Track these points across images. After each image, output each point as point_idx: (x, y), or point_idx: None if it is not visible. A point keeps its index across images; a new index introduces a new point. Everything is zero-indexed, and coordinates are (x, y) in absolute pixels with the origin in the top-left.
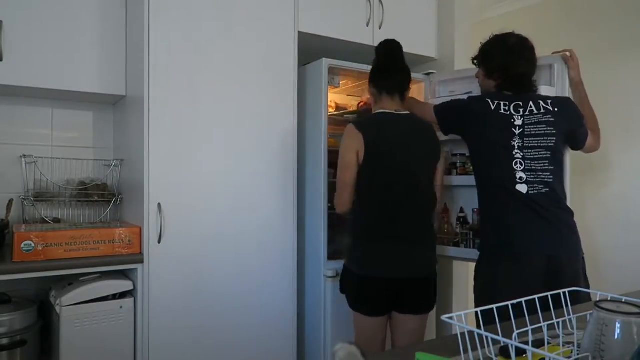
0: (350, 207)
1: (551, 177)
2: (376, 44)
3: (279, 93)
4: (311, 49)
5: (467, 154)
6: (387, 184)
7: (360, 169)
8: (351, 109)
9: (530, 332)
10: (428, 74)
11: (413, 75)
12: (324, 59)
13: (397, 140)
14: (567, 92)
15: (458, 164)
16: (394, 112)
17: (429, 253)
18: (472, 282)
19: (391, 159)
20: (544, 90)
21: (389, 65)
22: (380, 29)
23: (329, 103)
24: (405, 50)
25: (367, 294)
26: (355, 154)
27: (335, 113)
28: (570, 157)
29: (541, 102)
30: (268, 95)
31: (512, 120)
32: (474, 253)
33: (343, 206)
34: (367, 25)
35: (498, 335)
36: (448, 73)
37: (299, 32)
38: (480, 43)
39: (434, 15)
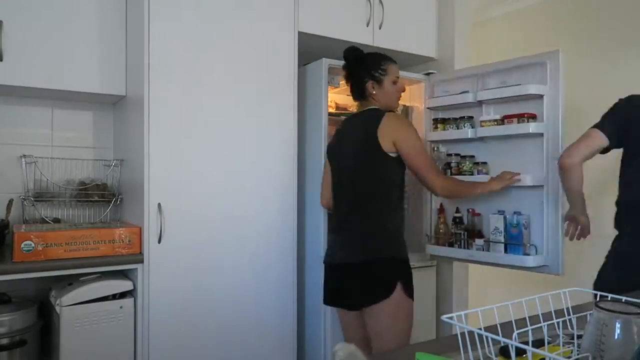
0: (326, 203)
1: None
2: (376, 44)
3: (279, 93)
4: (311, 49)
5: (462, 154)
6: (334, 180)
7: None
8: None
9: (530, 332)
10: (428, 74)
11: (413, 75)
12: (324, 59)
13: (338, 139)
14: (560, 93)
15: (452, 164)
16: (353, 112)
17: (358, 241)
18: (472, 283)
19: (332, 157)
20: (534, 89)
21: (347, 76)
22: (380, 29)
23: (329, 103)
24: (405, 50)
25: (324, 282)
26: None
27: (335, 113)
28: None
29: None
30: (268, 95)
31: None
32: (467, 253)
33: (321, 200)
34: (367, 25)
35: (498, 335)
36: (447, 73)
37: (299, 32)
38: None
39: (434, 15)
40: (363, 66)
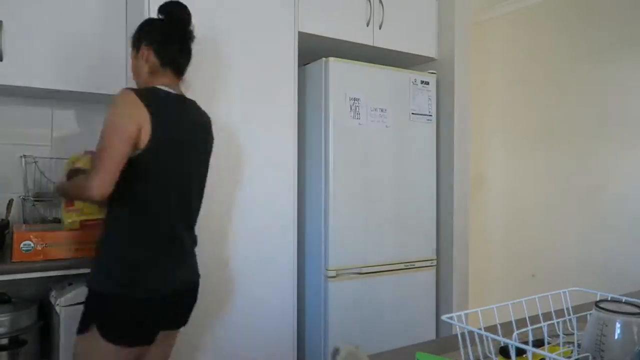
0: (110, 192)
1: None
2: (376, 44)
3: (279, 93)
4: (311, 49)
5: None
6: (173, 183)
7: (140, 156)
8: None
9: (530, 332)
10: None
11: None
12: (323, 58)
13: (185, 130)
14: None
15: None
16: (173, 91)
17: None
18: (472, 283)
19: (180, 153)
20: None
21: (184, 35)
22: (380, 29)
23: None
24: (405, 50)
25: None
26: (136, 126)
27: None
28: (567, 156)
29: None
30: (268, 95)
31: None
32: None
33: (102, 188)
34: (367, 25)
35: (498, 335)
36: None
37: (299, 32)
38: None
39: (434, 15)
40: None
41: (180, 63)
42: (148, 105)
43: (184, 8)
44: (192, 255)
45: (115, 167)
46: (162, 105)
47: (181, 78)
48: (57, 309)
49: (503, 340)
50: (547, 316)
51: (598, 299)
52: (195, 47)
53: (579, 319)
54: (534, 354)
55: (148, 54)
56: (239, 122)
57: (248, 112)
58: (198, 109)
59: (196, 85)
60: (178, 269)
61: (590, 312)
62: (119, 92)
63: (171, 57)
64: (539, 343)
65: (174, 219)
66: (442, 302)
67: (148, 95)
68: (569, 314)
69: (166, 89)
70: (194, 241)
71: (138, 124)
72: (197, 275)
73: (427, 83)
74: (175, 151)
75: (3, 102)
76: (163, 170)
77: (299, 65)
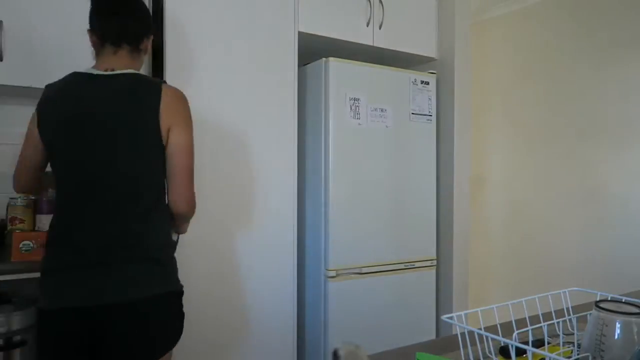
0: (30, 188)
1: None
2: (376, 44)
3: (279, 93)
4: (311, 49)
5: None
6: (67, 175)
7: (48, 155)
8: None
9: (530, 332)
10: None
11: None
12: (323, 58)
13: (77, 112)
14: None
15: None
16: (97, 72)
17: (132, 271)
18: (472, 283)
19: (67, 139)
20: None
21: (113, 3)
22: (380, 29)
23: None
24: (405, 50)
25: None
26: (35, 123)
27: None
28: (567, 156)
29: None
30: (268, 95)
31: None
32: None
33: (18, 184)
34: (367, 25)
35: (498, 335)
36: None
37: (299, 32)
38: None
39: (434, 15)
40: (146, 13)
41: (118, 34)
42: (39, 103)
43: None
44: (107, 266)
45: (25, 170)
46: (51, 95)
47: (128, 48)
48: None
49: (503, 340)
50: (547, 316)
51: (598, 299)
52: (195, 47)
53: (579, 319)
54: (534, 354)
55: (90, 36)
56: (239, 122)
57: (248, 112)
58: (122, 79)
59: (196, 85)
60: (67, 283)
61: (590, 312)
62: None
63: (104, 31)
64: (539, 343)
65: (70, 216)
66: (442, 302)
67: (44, 92)
68: (569, 314)
69: (87, 71)
70: (121, 245)
71: (33, 124)
72: (118, 294)
73: (427, 83)
74: (65, 136)
75: (3, 102)
76: (60, 162)
77: (299, 65)
